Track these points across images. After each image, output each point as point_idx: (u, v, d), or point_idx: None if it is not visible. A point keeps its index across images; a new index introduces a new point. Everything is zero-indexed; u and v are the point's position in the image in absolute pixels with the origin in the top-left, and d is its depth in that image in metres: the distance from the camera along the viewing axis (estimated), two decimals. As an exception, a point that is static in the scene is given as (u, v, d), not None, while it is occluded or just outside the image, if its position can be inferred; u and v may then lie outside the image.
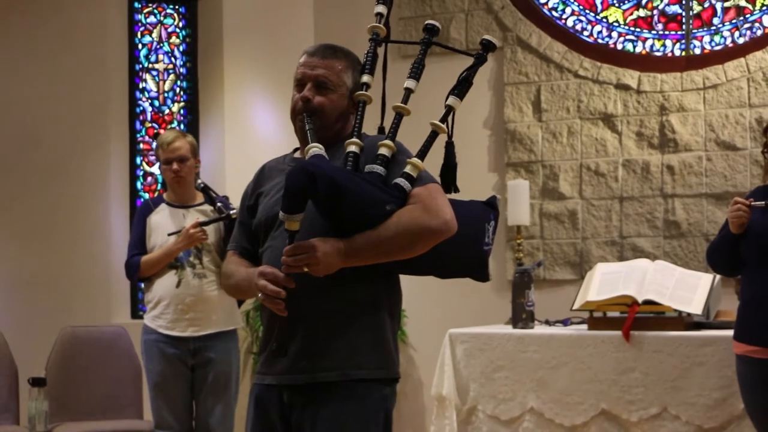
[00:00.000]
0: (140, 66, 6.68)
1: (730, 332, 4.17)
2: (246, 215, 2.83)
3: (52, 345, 5.52)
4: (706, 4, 6.23)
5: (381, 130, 2.82)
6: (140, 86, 6.67)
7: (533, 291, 4.98)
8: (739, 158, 5.93)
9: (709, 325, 4.68)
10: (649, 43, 6.33)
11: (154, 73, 6.71)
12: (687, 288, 4.69)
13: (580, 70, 6.31)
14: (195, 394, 4.74)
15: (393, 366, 2.68)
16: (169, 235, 4.65)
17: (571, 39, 6.42)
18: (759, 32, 6.07)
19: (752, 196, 4.09)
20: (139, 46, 6.70)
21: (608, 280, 4.78)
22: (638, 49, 6.34)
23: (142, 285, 5.17)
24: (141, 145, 6.64)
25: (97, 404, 5.48)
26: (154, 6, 6.74)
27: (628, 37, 6.37)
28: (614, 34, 6.40)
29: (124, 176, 6.50)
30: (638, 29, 6.36)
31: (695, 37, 6.23)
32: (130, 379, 5.54)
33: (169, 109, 6.74)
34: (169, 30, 6.77)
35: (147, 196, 6.54)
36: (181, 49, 6.79)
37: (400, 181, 2.58)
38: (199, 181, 4.81)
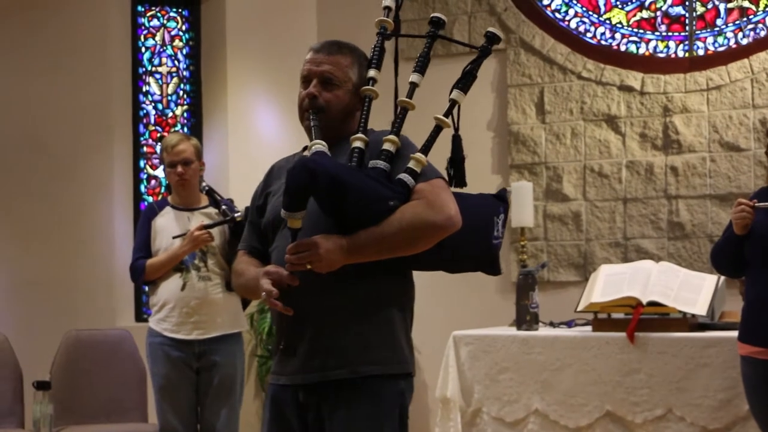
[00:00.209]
0: (143, 69, 6.69)
1: (735, 333, 4.16)
2: (255, 215, 2.83)
3: (56, 348, 5.52)
4: (710, 5, 6.23)
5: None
6: (143, 89, 6.68)
7: (537, 293, 4.98)
8: (743, 159, 5.93)
9: (713, 327, 4.68)
10: (652, 44, 6.33)
11: (158, 76, 6.72)
12: (691, 289, 4.69)
13: (583, 71, 6.31)
14: (200, 397, 4.73)
15: (405, 361, 2.66)
16: (174, 238, 4.65)
17: (574, 41, 6.42)
18: (762, 33, 6.06)
19: (756, 197, 4.09)
20: (143, 49, 6.70)
21: (612, 282, 4.77)
22: (641, 51, 6.34)
23: (147, 288, 5.18)
24: (144, 148, 6.65)
25: (102, 408, 5.48)
26: (157, 9, 6.75)
27: (631, 38, 6.37)
28: (617, 36, 6.40)
29: (127, 179, 6.50)
30: (641, 31, 6.36)
31: (698, 39, 6.23)
32: (135, 383, 5.53)
33: (173, 112, 6.74)
34: (172, 33, 6.78)
35: (150, 199, 6.55)
36: (184, 52, 6.80)
37: (404, 176, 2.58)
38: (204, 183, 4.81)
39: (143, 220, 4.84)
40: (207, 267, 4.67)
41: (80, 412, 5.43)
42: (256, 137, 6.70)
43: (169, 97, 6.74)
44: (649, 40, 6.34)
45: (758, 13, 6.11)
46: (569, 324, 5.11)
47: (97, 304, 6.20)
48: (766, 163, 5.13)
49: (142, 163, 6.62)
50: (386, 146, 2.62)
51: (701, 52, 6.20)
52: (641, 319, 4.59)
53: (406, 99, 2.71)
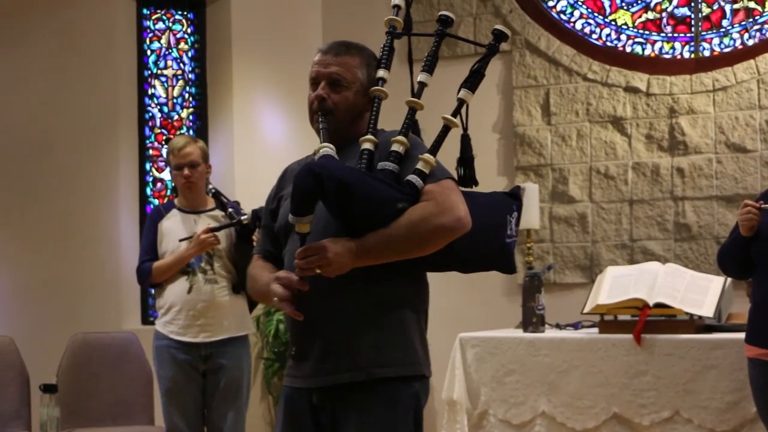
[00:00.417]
0: (149, 72, 6.69)
1: (742, 335, 4.16)
2: (269, 219, 2.82)
3: (63, 351, 5.53)
4: (715, 6, 6.22)
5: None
6: (149, 92, 6.68)
7: (543, 295, 4.98)
8: (750, 160, 5.92)
9: (720, 328, 4.67)
10: (658, 45, 6.32)
11: (163, 79, 6.72)
12: (698, 291, 4.68)
13: (589, 73, 6.30)
14: (206, 399, 4.73)
15: (419, 363, 2.64)
16: (181, 240, 4.66)
17: (579, 42, 6.41)
18: (768, 34, 6.07)
19: (762, 199, 4.08)
20: (148, 52, 6.71)
21: (619, 284, 4.77)
22: (647, 52, 6.33)
23: (153, 291, 5.18)
24: (150, 151, 6.65)
25: (109, 410, 5.48)
26: (163, 12, 6.76)
27: (637, 39, 6.37)
28: (623, 37, 6.39)
29: (133, 182, 6.51)
30: (647, 32, 6.36)
31: (704, 40, 6.22)
32: (142, 385, 5.54)
33: (178, 115, 6.74)
34: (178, 36, 6.78)
35: (156, 202, 6.55)
36: (189, 54, 6.80)
37: (412, 177, 2.55)
38: (210, 186, 4.81)
39: (150, 222, 4.84)
40: (213, 270, 4.67)
41: (87, 415, 5.43)
42: (261, 140, 6.70)
43: (175, 100, 6.74)
44: (655, 41, 6.33)
45: (764, 14, 6.11)
46: (576, 326, 5.11)
47: (104, 307, 6.21)
48: (773, 164, 5.13)
49: (147, 166, 6.63)
50: (395, 147, 2.60)
51: (707, 53, 6.20)
52: (648, 320, 4.58)
53: (415, 99, 2.68)
